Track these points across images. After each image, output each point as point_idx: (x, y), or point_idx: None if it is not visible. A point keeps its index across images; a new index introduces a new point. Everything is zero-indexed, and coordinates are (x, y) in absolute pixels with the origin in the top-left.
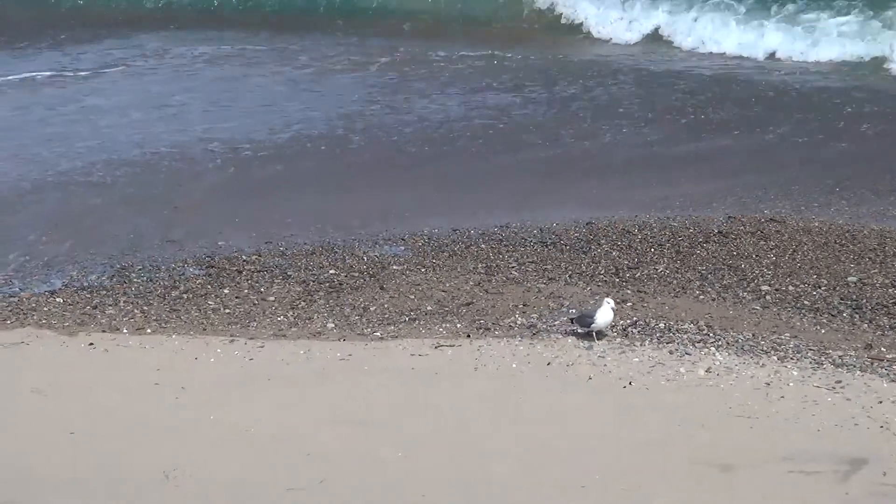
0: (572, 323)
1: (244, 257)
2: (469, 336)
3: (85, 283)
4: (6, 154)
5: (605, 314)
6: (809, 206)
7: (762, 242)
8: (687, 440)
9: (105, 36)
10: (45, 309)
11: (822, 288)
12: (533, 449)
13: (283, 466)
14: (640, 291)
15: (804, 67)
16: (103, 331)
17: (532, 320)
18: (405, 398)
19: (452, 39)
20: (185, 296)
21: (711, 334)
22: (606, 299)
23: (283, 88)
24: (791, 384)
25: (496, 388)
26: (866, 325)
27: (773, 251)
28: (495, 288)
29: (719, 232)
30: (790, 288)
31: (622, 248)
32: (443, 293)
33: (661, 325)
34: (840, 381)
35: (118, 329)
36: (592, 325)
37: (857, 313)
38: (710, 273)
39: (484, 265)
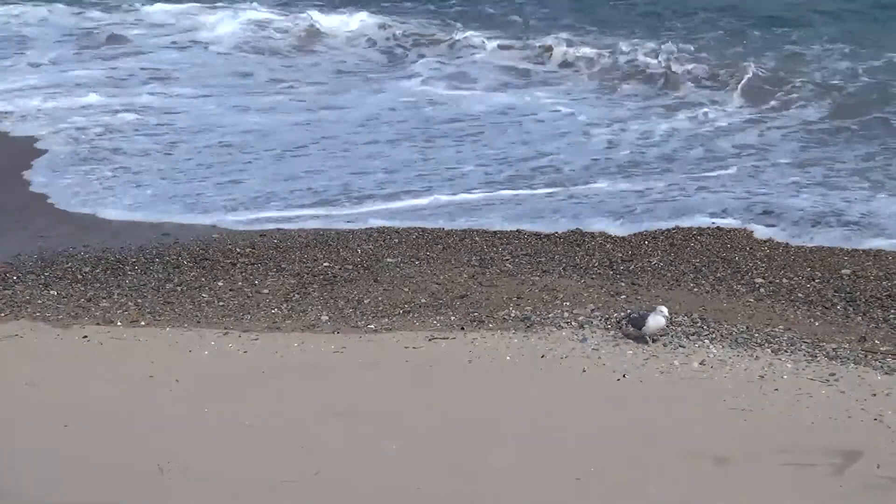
0: (628, 325)
1: (238, 250)
2: (463, 328)
3: (79, 276)
4: None
5: (655, 321)
6: None
7: (756, 234)
8: (681, 433)
9: None
10: (40, 301)
11: (816, 280)
12: (527, 441)
13: (277, 459)
14: (634, 284)
15: None
16: (97, 323)
17: (526, 313)
18: (399, 391)
19: None
20: (179, 288)
21: (705, 327)
22: (661, 308)
23: None
24: (785, 377)
25: (490, 380)
26: (860, 317)
27: (767, 243)
28: (489, 280)
29: (713, 224)
30: (784, 280)
31: (616, 241)
32: (437, 286)
33: None
34: (834, 374)
35: (112, 322)
36: (643, 329)
37: (850, 306)
38: (704, 265)
39: (478, 258)
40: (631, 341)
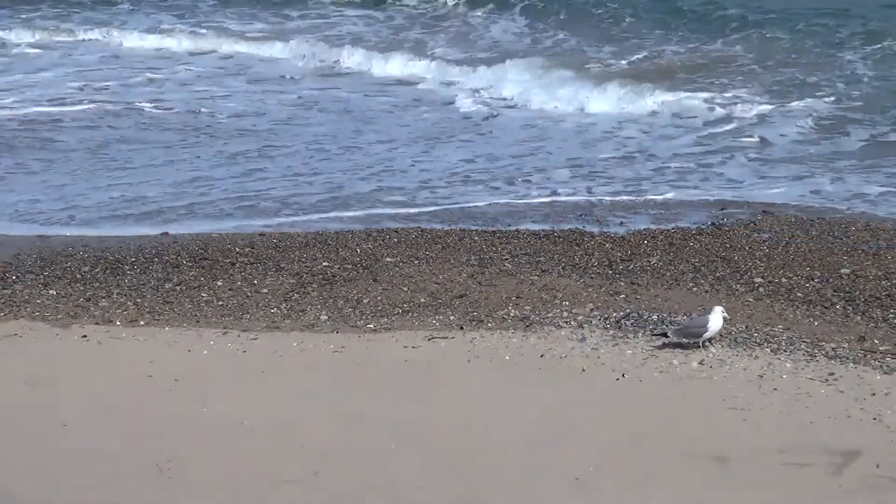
0: (666, 336)
1: (237, 249)
2: (462, 328)
3: (78, 276)
4: None
5: (717, 321)
6: None
7: (755, 234)
8: (680, 432)
9: None
10: (39, 301)
11: (815, 280)
12: (526, 441)
13: (276, 458)
14: (634, 283)
15: None
16: (97, 323)
17: (525, 312)
18: (398, 390)
19: None
20: (178, 288)
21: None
22: (719, 308)
23: None
24: (784, 376)
25: (489, 380)
26: (859, 317)
27: (766, 243)
28: (488, 280)
29: (712, 224)
30: (783, 280)
31: (615, 240)
32: (436, 285)
33: (655, 318)
34: (833, 374)
35: (111, 321)
36: (705, 335)
37: (850, 305)
38: (704, 265)
39: (477, 257)
40: (630, 340)
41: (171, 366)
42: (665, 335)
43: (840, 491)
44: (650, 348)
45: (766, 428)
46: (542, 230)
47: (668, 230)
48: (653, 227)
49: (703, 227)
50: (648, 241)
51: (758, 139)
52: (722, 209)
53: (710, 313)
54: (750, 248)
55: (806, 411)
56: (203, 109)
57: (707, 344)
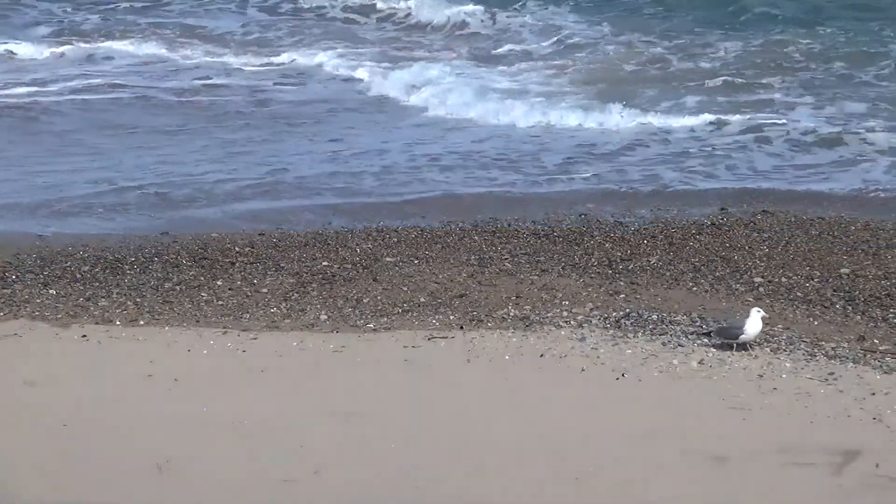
0: (710, 336)
1: (237, 249)
2: (462, 328)
3: (78, 275)
4: None
5: (754, 324)
6: None
7: (755, 234)
8: (680, 432)
9: None
10: (38, 301)
11: (815, 280)
12: (526, 441)
13: (276, 458)
14: (633, 283)
15: None
16: (96, 322)
17: (525, 312)
18: (398, 390)
19: None
20: (177, 287)
21: (704, 326)
22: (755, 309)
23: None
24: (784, 376)
25: (489, 379)
26: (859, 316)
27: (766, 243)
28: (488, 280)
29: (712, 224)
30: (783, 279)
31: (615, 240)
32: (436, 285)
33: (654, 317)
34: (833, 373)
35: (111, 321)
36: (742, 337)
37: (849, 305)
38: (703, 265)
39: (477, 257)
40: (630, 339)
41: (171, 366)
42: (709, 334)
43: (840, 491)
44: (650, 347)
45: (765, 427)
46: (542, 229)
47: (668, 229)
48: (652, 226)
49: (703, 226)
50: (648, 241)
51: (790, 133)
52: (722, 208)
53: (747, 317)
54: (750, 247)
55: (806, 411)
56: (223, 99)
57: (748, 344)
